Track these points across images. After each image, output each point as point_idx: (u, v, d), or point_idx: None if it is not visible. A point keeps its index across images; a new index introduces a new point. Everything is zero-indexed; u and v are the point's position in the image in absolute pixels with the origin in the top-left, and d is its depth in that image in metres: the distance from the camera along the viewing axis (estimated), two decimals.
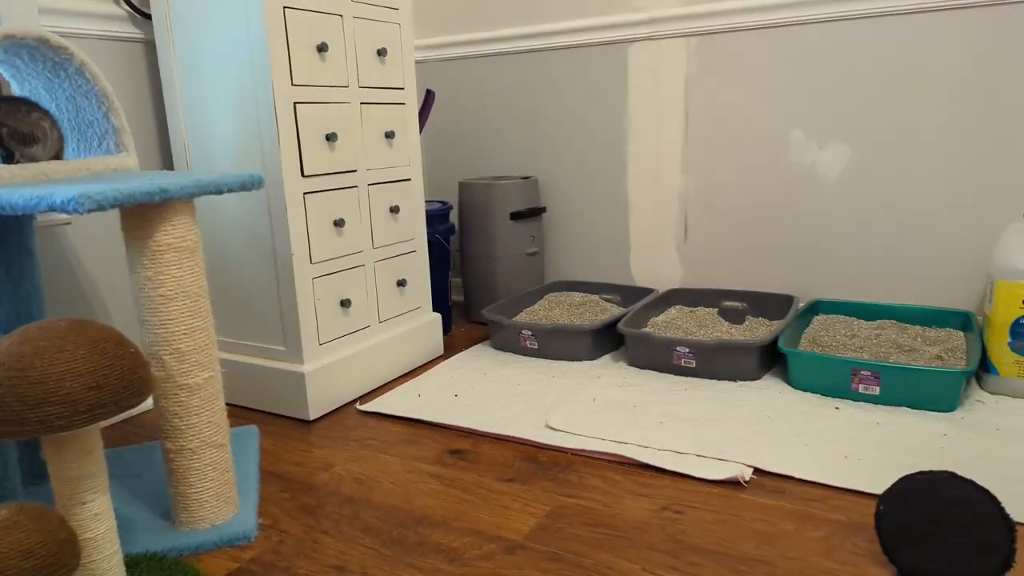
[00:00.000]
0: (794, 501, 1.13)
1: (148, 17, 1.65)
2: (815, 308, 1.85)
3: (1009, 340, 1.46)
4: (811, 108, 1.84)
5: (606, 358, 1.81)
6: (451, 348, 1.99)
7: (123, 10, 1.62)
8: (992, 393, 1.49)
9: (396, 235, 1.79)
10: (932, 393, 1.40)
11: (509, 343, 1.89)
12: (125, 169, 1.29)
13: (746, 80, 1.91)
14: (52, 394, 0.79)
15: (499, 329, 1.90)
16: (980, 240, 1.73)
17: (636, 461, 1.27)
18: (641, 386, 1.60)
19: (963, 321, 1.69)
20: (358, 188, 1.67)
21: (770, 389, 1.55)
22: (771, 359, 1.67)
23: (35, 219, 1.27)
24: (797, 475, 1.19)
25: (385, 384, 1.75)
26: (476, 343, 2.01)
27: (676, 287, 2.08)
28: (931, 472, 0.94)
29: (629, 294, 2.09)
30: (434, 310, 2.01)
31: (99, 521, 0.90)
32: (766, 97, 1.89)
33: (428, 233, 1.97)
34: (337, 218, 1.60)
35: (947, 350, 1.57)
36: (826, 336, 1.69)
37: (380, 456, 1.37)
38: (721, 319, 1.86)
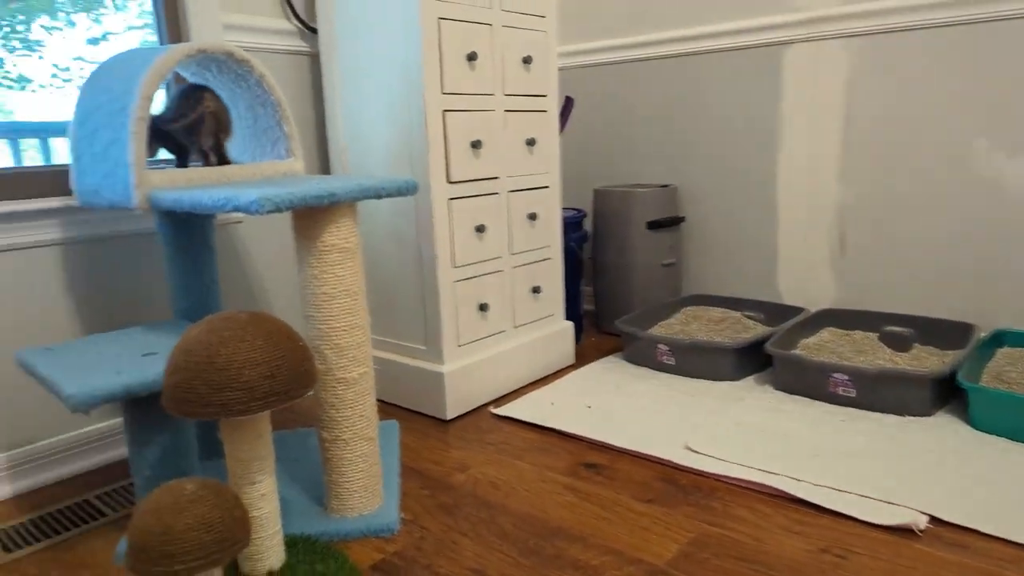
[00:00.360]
0: (979, 559, 1.00)
1: (314, 31, 1.76)
2: (999, 339, 1.65)
3: None
4: (998, 114, 1.66)
5: (749, 380, 1.72)
6: (582, 358, 1.97)
7: (293, 26, 1.74)
8: None
9: (533, 242, 1.80)
10: None
11: (644, 357, 1.84)
12: (293, 173, 1.37)
13: (918, 83, 1.75)
14: (234, 380, 0.85)
15: (633, 342, 1.86)
16: None
17: (789, 495, 1.19)
18: (791, 413, 1.50)
19: None
20: (499, 195, 1.69)
21: (945, 428, 1.39)
22: (945, 394, 1.50)
23: (215, 217, 1.38)
24: (984, 529, 1.06)
25: (518, 389, 1.75)
26: (607, 354, 1.98)
27: (829, 307, 1.94)
28: None
29: (774, 312, 1.98)
30: (566, 318, 2.00)
31: (265, 501, 0.95)
32: (942, 102, 1.73)
33: (563, 240, 1.96)
34: (479, 224, 1.63)
35: None
36: (1014, 372, 1.50)
37: (514, 462, 1.37)
38: (882, 345, 1.71)
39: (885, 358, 1.63)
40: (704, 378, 1.73)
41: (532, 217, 1.78)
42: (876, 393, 1.48)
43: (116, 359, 1.08)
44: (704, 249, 2.19)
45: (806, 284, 2.01)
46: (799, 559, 1.03)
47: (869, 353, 1.66)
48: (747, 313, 1.99)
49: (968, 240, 1.74)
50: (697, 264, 2.22)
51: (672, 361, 1.77)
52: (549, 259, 1.86)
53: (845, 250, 1.93)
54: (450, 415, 1.59)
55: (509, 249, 1.74)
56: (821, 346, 1.72)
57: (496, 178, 1.67)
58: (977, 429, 1.38)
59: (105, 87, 1.20)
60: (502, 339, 1.74)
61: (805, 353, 1.65)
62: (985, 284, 1.73)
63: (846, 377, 1.50)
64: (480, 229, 1.63)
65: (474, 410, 1.64)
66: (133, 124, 1.14)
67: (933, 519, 1.10)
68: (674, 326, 1.96)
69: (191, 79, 1.40)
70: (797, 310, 1.93)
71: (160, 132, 1.27)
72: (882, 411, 1.48)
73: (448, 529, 1.15)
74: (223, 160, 1.33)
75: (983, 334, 1.68)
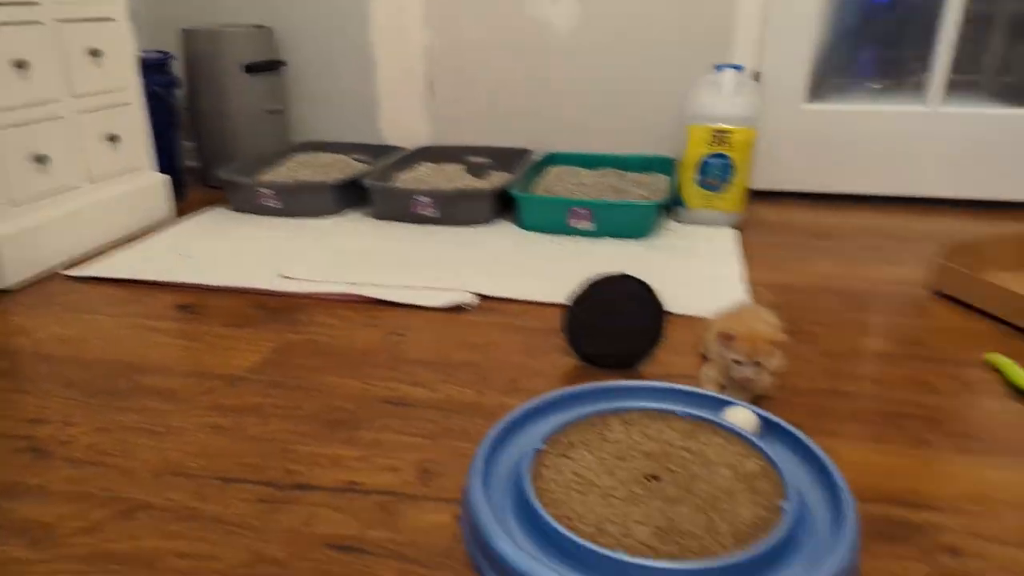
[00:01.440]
0: (503, 317, 1.26)
1: None
2: (552, 160, 2.00)
3: (697, 177, 1.71)
4: None
5: (352, 214, 1.81)
6: (185, 213, 1.85)
7: None
8: (682, 223, 1.75)
9: (101, 84, 1.58)
10: (631, 224, 1.62)
11: (249, 204, 1.80)
12: None
13: None
14: None
15: (237, 190, 1.80)
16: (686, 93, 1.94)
17: (368, 298, 1.32)
18: (384, 236, 1.64)
19: (669, 166, 1.92)
20: (44, 25, 1.42)
21: (502, 231, 1.68)
22: (507, 206, 1.78)
23: None
24: (510, 296, 1.33)
25: (104, 250, 1.59)
26: (214, 206, 1.89)
27: (426, 144, 2.10)
28: (607, 274, 1.08)
29: (379, 153, 2.08)
30: (162, 172, 1.84)
31: None
32: None
33: (145, 85, 1.76)
34: (18, 59, 1.37)
35: (652, 191, 1.79)
36: (557, 185, 1.83)
37: (92, 317, 1.27)
38: (467, 174, 1.93)
39: (465, 184, 1.85)
40: (309, 216, 1.77)
41: (95, 54, 1.55)
42: (451, 210, 1.70)
43: None
44: (309, 95, 2.17)
45: (405, 126, 2.14)
46: (369, 344, 1.17)
47: (456, 182, 1.87)
48: (356, 156, 2.06)
49: (527, 77, 2.02)
50: (304, 110, 2.19)
51: (278, 204, 1.77)
52: (127, 104, 1.66)
53: (434, 92, 2.08)
54: (11, 282, 1.38)
55: (70, 91, 1.50)
56: (418, 179, 1.88)
57: (36, 3, 1.40)
58: (525, 229, 1.69)
59: None
60: (76, 195, 1.53)
61: (395, 184, 1.78)
62: (541, 115, 2.05)
63: (428, 199, 1.68)
64: (21, 65, 1.37)
65: (46, 277, 1.45)
66: None
67: (482, 297, 1.33)
68: (283, 172, 1.94)
69: None
70: (398, 149, 2.05)
71: None
72: (456, 224, 1.71)
73: (2, 391, 1.03)
74: None
75: (539, 157, 2.01)
